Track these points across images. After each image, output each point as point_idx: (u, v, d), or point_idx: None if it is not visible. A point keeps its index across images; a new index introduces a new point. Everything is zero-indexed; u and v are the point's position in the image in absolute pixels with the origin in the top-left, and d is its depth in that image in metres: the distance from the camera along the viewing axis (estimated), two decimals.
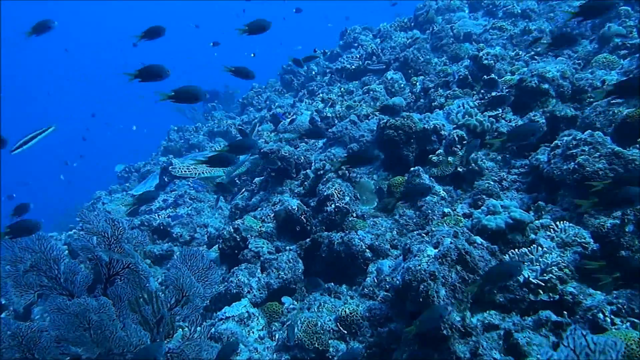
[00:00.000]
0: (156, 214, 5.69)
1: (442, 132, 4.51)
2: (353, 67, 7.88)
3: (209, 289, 3.13)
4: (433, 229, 3.33)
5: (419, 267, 2.84)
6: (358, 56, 8.03)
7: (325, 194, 4.27)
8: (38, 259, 2.85)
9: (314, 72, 9.75)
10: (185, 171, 6.24)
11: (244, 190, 5.84)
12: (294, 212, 4.25)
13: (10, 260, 2.77)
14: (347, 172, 4.44)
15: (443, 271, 2.83)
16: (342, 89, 6.99)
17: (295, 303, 3.86)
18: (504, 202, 3.39)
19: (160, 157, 9.71)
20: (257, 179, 5.85)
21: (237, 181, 6.37)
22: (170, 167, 6.30)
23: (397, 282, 3.00)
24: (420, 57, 7.36)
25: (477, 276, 2.89)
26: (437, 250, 2.95)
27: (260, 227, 4.36)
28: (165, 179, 6.55)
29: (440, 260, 2.86)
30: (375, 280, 3.69)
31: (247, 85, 12.45)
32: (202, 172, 6.27)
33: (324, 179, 4.39)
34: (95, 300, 2.68)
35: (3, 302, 6.30)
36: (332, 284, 3.86)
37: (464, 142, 4.36)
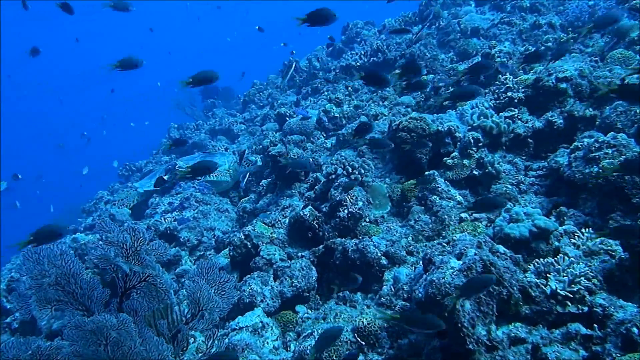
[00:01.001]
0: (162, 218, 5.58)
1: (457, 134, 4.40)
2: (358, 64, 7.74)
3: (226, 302, 3.03)
4: (454, 238, 3.23)
5: (443, 280, 2.74)
6: (363, 53, 7.90)
7: (337, 199, 4.16)
8: (60, 274, 2.77)
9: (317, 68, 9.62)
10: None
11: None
12: (305, 218, 4.15)
13: (37, 274, 2.69)
14: (359, 176, 4.33)
15: None
16: (350, 87, 6.86)
17: (310, 312, 3.77)
18: (527, 209, 3.28)
19: (163, 156, 9.58)
20: (263, 181, 5.73)
21: (242, 183, 6.26)
22: (176, 167, 6.18)
23: (420, 295, 2.89)
24: (427, 53, 7.23)
25: (502, 288, 2.80)
26: (461, 262, 2.85)
27: (271, 233, 4.25)
28: (166, 179, 6.43)
29: (465, 272, 2.76)
30: (392, 289, 3.59)
31: (247, 83, 12.32)
32: (208, 176, 6.15)
33: (336, 184, 4.27)
34: (114, 317, 2.59)
35: (8, 307, 6.23)
36: (347, 292, 3.76)
37: (480, 144, 4.26)
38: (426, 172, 4.15)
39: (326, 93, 7.42)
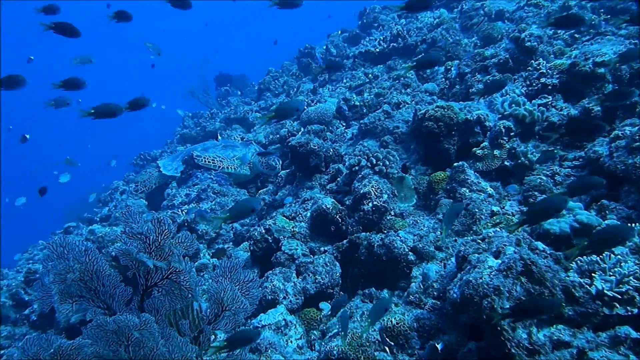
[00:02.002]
0: (179, 210, 5.45)
1: (487, 124, 4.19)
2: (377, 50, 7.51)
3: (251, 302, 2.89)
4: (489, 234, 3.04)
5: (481, 281, 2.57)
6: (382, 38, 7.66)
7: (361, 191, 3.98)
8: (83, 270, 2.66)
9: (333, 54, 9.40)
10: (209, 161, 5.98)
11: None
12: (328, 211, 3.98)
13: (62, 269, 2.58)
14: (383, 168, 4.14)
15: (507, 285, 2.55)
16: (370, 75, 6.64)
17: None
18: (569, 203, 3.08)
19: (178, 146, 9.46)
20: (282, 172, 5.57)
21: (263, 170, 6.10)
22: (194, 154, 6.04)
23: (455, 295, 2.72)
24: (449, 38, 6.98)
25: (543, 288, 2.62)
26: (499, 261, 2.67)
27: (292, 227, 4.09)
28: (187, 170, 6.30)
29: (504, 272, 2.58)
30: (422, 287, 3.42)
31: (262, 71, 12.13)
32: (227, 167, 6.01)
33: (360, 176, 4.10)
34: (137, 317, 2.46)
35: (26, 299, 6.18)
36: (373, 289, 3.60)
37: (512, 133, 4.04)
38: (455, 164, 3.95)
39: (345, 80, 7.22)
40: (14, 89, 3.63)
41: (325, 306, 3.63)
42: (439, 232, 3.79)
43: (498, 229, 3.24)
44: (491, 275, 2.58)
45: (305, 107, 6.24)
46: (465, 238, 3.15)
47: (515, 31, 5.24)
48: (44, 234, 10.21)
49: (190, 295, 2.79)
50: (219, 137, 7.59)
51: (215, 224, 3.13)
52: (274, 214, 4.73)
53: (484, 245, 2.96)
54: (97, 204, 9.78)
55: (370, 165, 4.14)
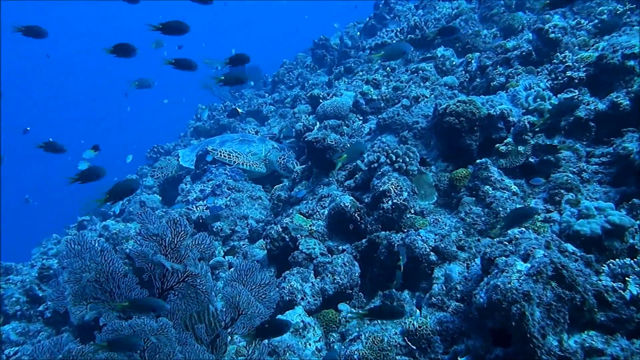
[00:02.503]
0: (194, 206, 5.38)
1: (511, 119, 4.05)
2: (394, 42, 7.36)
3: (268, 306, 2.81)
4: (517, 236, 2.93)
5: (509, 286, 2.46)
6: (399, 30, 7.50)
7: (381, 189, 3.88)
8: (99, 271, 2.59)
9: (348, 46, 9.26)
10: (225, 156, 5.90)
11: None
12: (347, 209, 3.88)
13: (77, 268, 2.52)
14: (403, 165, 4.03)
15: (538, 290, 2.45)
16: (388, 68, 6.50)
17: (354, 311, 3.53)
18: (599, 203, 2.96)
19: (192, 139, 9.40)
20: (298, 167, 5.47)
21: (280, 171, 6.02)
22: (209, 147, 5.96)
23: (481, 300, 2.62)
24: (469, 30, 6.81)
25: (575, 293, 2.51)
26: (528, 265, 2.56)
27: (310, 225, 4.00)
28: (201, 165, 6.22)
29: (534, 277, 2.47)
30: (444, 288, 3.31)
31: (277, 63, 12.02)
32: (242, 163, 5.93)
33: (379, 173, 3.99)
34: (154, 321, 2.39)
35: (40, 295, 6.17)
36: (394, 290, 3.51)
37: (537, 129, 3.91)
38: (477, 160, 3.82)
39: (361, 73, 7.09)
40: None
41: (344, 307, 3.54)
42: (461, 232, 3.68)
43: (524, 230, 3.12)
44: (520, 280, 2.47)
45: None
46: (491, 239, 3.03)
47: (538, 22, 5.07)
48: (58, 227, 10.21)
49: (206, 299, 2.72)
50: (240, 111, 7.44)
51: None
52: (291, 211, 4.64)
53: (510, 248, 2.85)
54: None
55: (389, 162, 4.03)
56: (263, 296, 2.84)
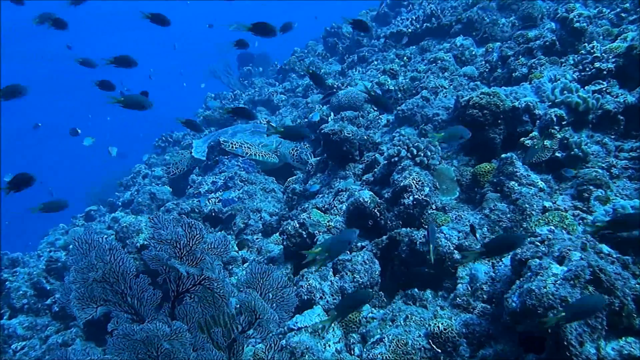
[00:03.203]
0: (206, 198, 5.27)
1: (536, 112, 3.90)
2: (409, 30, 7.18)
3: (286, 310, 2.69)
4: (549, 237, 2.80)
5: (545, 291, 2.34)
6: (414, 18, 7.32)
7: (401, 184, 3.75)
8: (107, 270, 2.46)
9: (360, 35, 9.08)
10: (235, 147, 5.78)
11: None
12: (366, 204, 3.76)
13: (83, 267, 2.39)
14: (425, 159, 3.89)
15: (575, 295, 2.33)
16: (405, 57, 6.34)
17: (375, 311, 3.42)
18: (635, 202, 2.82)
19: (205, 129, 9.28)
20: (312, 160, 5.35)
21: (294, 164, 5.91)
22: (221, 139, 5.84)
23: (514, 304, 2.50)
24: (486, 18, 6.63)
25: (613, 298, 2.39)
26: (565, 268, 2.44)
27: (328, 221, 3.89)
28: (213, 157, 6.10)
29: (571, 282, 2.35)
30: (469, 289, 3.20)
31: (284, 49, 11.87)
32: (255, 154, 5.80)
33: (399, 167, 3.86)
34: (167, 326, 2.28)
35: (48, 288, 6.11)
36: (416, 289, 3.39)
37: (564, 122, 3.76)
38: (502, 155, 3.68)
39: (376, 62, 6.93)
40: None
41: (365, 307, 3.44)
42: (485, 229, 3.55)
43: (555, 230, 2.99)
44: (557, 285, 2.35)
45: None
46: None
47: (562, 11, 4.90)
48: (65, 216, 10.15)
49: (223, 303, 2.60)
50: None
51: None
52: (307, 206, 4.53)
53: (543, 249, 2.72)
54: (118, 188, 9.70)
55: (410, 156, 3.89)
56: (281, 299, 2.72)
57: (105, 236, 2.43)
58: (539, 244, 2.77)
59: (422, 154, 3.91)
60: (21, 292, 5.77)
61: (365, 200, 3.77)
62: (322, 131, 4.63)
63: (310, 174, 5.27)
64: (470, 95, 4.02)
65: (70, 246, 6.02)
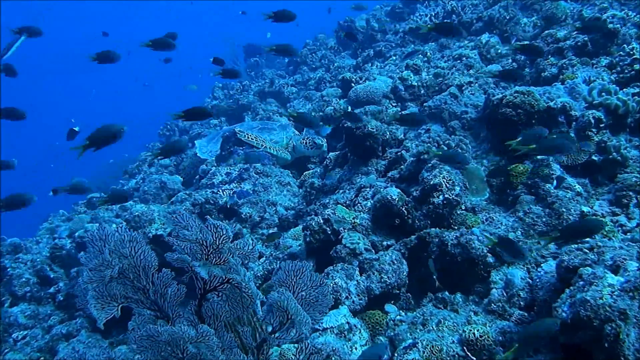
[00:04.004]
0: (219, 189, 5.11)
1: (573, 113, 3.77)
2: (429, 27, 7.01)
3: (320, 310, 2.54)
4: (599, 244, 2.67)
5: (602, 302, 2.21)
6: (434, 14, 7.17)
7: (431, 182, 3.61)
8: (127, 265, 2.28)
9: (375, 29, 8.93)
10: (252, 138, 5.62)
11: None
12: (394, 202, 3.62)
13: (98, 264, 2.20)
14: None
15: (634, 308, 2.19)
16: (428, 54, 6.19)
17: (403, 313, 3.28)
18: None
19: (212, 119, 9.10)
20: (331, 154, 5.20)
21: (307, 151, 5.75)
22: (236, 129, 5.68)
23: (564, 314, 2.36)
24: (507, 17, 6.49)
25: None
26: (622, 279, 2.30)
27: (353, 218, 3.75)
28: (228, 147, 5.95)
29: (630, 293, 2.22)
30: (505, 294, 3.07)
31: (292, 41, 11.67)
32: (269, 148, 5.65)
33: (429, 165, 3.72)
34: (193, 329, 2.12)
35: (52, 276, 5.93)
36: (447, 293, 3.26)
37: (601, 125, 3.63)
38: (539, 156, 3.55)
39: (394, 58, 6.78)
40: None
41: (392, 309, 3.30)
42: (519, 232, 3.42)
43: (603, 237, 2.87)
44: (614, 296, 2.21)
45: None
46: (569, 246, 2.76)
47: (594, 11, 4.76)
48: (67, 203, 9.96)
49: (251, 303, 2.45)
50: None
51: None
52: (327, 201, 4.39)
53: (592, 256, 2.59)
54: (123, 176, 9.52)
55: None
56: (315, 299, 2.57)
57: (121, 225, 2.27)
58: (587, 250, 2.64)
59: None
60: (24, 279, 5.60)
61: (393, 197, 3.63)
62: (345, 125, 4.48)
63: (328, 168, 5.13)
64: (504, 94, 3.89)
65: (76, 233, 5.85)
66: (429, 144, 3.82)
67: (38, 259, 5.93)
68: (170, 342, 2.10)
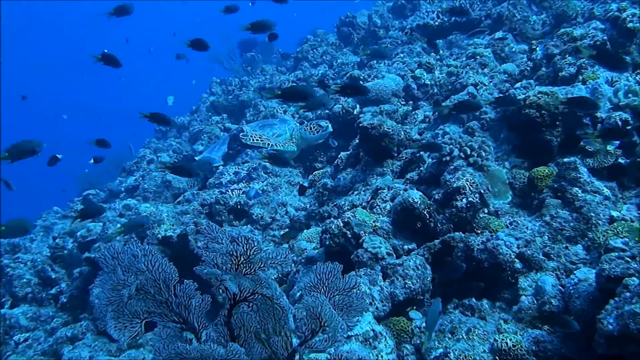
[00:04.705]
0: (229, 190, 4.99)
1: (598, 114, 3.69)
2: (436, 24, 6.94)
3: (354, 315, 2.43)
4: (615, 245, 2.59)
5: None
6: (440, 10, 7.07)
7: (454, 185, 3.52)
8: (145, 280, 2.15)
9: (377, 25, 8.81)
10: (257, 140, 5.50)
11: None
12: (416, 205, 3.52)
13: (113, 285, 2.07)
14: (479, 159, 3.67)
15: None
16: (440, 52, 6.09)
17: None
18: None
19: (213, 115, 8.95)
20: (342, 154, 5.10)
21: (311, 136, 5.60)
22: (240, 134, 5.56)
23: (611, 327, 2.27)
24: (517, 14, 6.41)
25: None
26: None
27: (374, 221, 3.64)
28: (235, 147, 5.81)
29: None
30: (535, 302, 2.98)
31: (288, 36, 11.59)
32: (275, 145, 5.52)
33: (452, 167, 3.62)
34: (222, 348, 2.00)
35: (53, 277, 5.78)
36: (474, 299, 3.17)
37: (629, 127, 3.56)
38: (565, 159, 3.47)
39: (401, 55, 6.68)
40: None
41: (417, 315, 3.20)
42: (546, 237, 3.34)
43: (630, 242, 2.78)
44: None
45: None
46: (610, 254, 2.67)
47: (614, 10, 4.68)
48: (62, 199, 9.73)
49: (283, 315, 2.34)
50: None
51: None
52: (341, 202, 4.28)
53: (635, 265, 2.51)
54: (121, 173, 9.33)
55: (463, 156, 3.66)
56: (348, 304, 2.45)
57: (132, 240, 2.12)
58: (629, 259, 2.56)
59: (475, 154, 3.68)
60: (25, 280, 5.45)
61: (415, 200, 3.53)
62: (360, 124, 4.38)
63: (339, 168, 5.02)
64: (527, 94, 3.80)
65: (78, 233, 5.68)
66: (451, 146, 3.72)
67: (39, 259, 5.78)
68: (198, 358, 1.99)
